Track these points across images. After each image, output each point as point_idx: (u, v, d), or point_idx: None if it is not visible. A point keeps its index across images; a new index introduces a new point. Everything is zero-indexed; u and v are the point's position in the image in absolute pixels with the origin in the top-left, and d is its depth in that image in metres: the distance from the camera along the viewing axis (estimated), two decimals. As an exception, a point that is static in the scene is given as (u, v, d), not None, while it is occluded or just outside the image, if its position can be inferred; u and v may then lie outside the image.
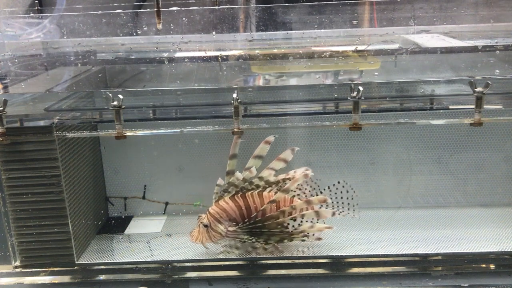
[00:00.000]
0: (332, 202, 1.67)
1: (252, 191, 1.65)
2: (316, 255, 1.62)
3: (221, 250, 1.65)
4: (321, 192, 1.68)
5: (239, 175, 1.63)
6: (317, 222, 1.63)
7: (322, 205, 1.65)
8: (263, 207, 1.61)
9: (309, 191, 1.68)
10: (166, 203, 1.95)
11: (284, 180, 1.65)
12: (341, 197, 1.67)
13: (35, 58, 1.78)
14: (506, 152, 1.88)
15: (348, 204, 1.67)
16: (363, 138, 1.87)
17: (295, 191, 1.66)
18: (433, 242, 1.66)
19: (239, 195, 1.64)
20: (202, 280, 1.61)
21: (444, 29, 1.75)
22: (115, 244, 1.77)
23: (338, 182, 1.67)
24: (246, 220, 1.61)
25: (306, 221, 1.63)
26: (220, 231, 1.61)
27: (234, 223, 1.63)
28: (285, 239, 1.62)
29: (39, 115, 1.56)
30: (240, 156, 1.87)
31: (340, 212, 1.66)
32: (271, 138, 1.63)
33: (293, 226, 1.62)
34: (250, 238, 1.61)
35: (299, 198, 1.67)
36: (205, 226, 1.61)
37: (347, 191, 1.67)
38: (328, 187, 1.68)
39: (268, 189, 1.65)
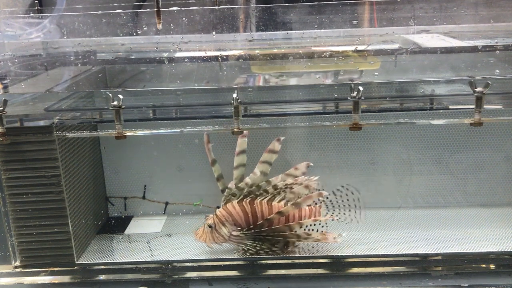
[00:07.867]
0: (339, 213, 1.67)
1: (262, 198, 1.64)
2: (316, 255, 1.62)
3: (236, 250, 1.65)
4: (327, 198, 1.66)
5: (247, 180, 1.63)
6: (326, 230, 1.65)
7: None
8: (270, 216, 1.60)
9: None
10: (166, 203, 1.95)
11: (291, 185, 1.63)
12: (347, 203, 1.67)
13: (35, 58, 1.78)
14: (506, 152, 1.88)
15: (354, 208, 1.66)
16: (363, 138, 1.87)
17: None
18: (433, 242, 1.66)
19: (247, 201, 1.63)
20: (202, 280, 1.61)
21: (444, 29, 1.74)
22: (115, 244, 1.77)
23: (342, 186, 1.67)
24: (251, 227, 1.61)
25: (317, 230, 1.65)
26: (223, 234, 1.61)
27: (239, 228, 1.63)
28: (289, 246, 1.62)
29: (39, 115, 1.55)
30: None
31: (346, 218, 1.66)
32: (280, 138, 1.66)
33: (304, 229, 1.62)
34: (254, 244, 1.61)
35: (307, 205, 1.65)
36: (210, 226, 1.62)
37: (352, 193, 1.66)
38: (333, 192, 1.67)
39: (277, 199, 1.64)
